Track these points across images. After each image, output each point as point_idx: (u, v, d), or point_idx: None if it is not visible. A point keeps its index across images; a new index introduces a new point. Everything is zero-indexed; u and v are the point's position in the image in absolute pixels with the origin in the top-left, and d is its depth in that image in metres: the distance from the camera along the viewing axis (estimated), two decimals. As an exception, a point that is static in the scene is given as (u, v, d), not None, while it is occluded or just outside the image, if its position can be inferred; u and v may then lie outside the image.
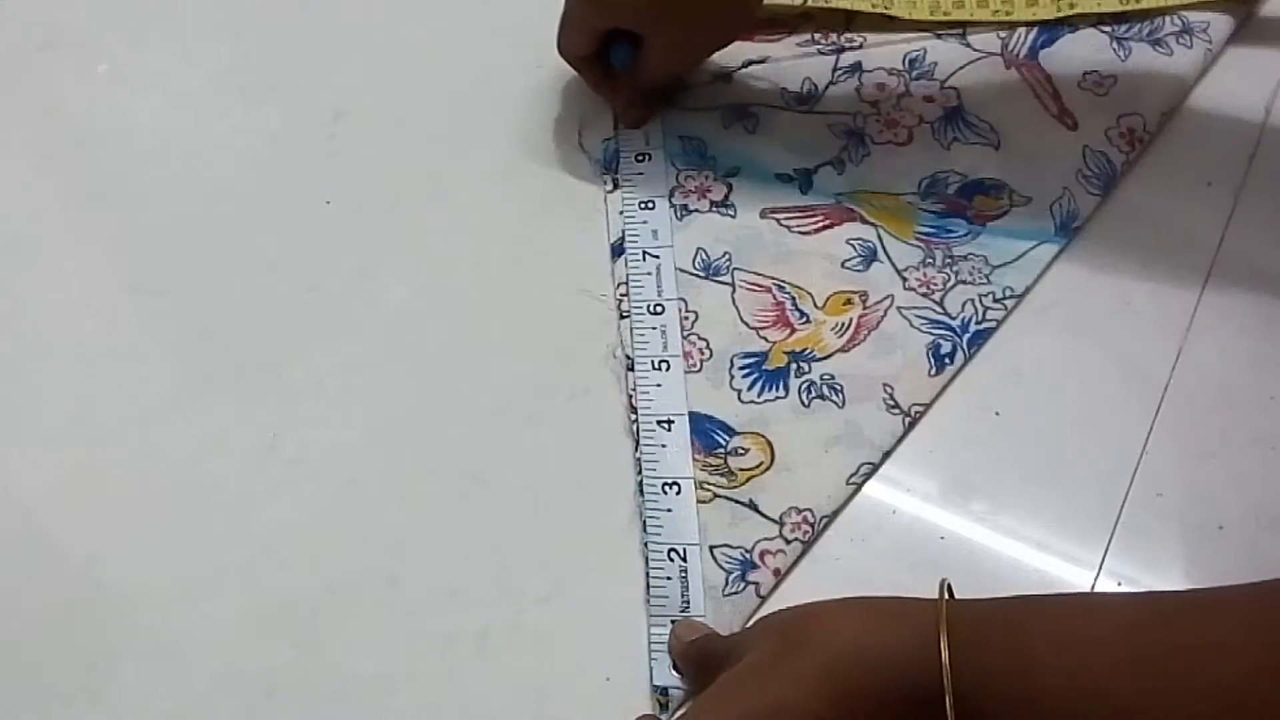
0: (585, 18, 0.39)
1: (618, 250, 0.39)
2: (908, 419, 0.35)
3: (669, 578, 0.33)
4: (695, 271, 0.39)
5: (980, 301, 0.37)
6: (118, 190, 0.42)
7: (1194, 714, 0.24)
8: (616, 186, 0.41)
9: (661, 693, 0.31)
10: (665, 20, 0.38)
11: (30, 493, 0.36)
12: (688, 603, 0.32)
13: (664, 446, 0.35)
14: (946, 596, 0.27)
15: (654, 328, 0.37)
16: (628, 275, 0.38)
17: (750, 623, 0.32)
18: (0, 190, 0.42)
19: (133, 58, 0.46)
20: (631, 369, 0.37)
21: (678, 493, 0.34)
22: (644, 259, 0.38)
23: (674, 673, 0.31)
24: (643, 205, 0.40)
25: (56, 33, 0.46)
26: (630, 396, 0.36)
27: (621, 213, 0.40)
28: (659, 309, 0.37)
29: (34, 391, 0.38)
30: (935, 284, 0.38)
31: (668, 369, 0.36)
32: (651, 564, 0.33)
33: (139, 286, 0.40)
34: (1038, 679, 0.25)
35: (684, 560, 0.33)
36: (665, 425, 0.35)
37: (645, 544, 0.34)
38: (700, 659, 0.31)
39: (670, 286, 0.38)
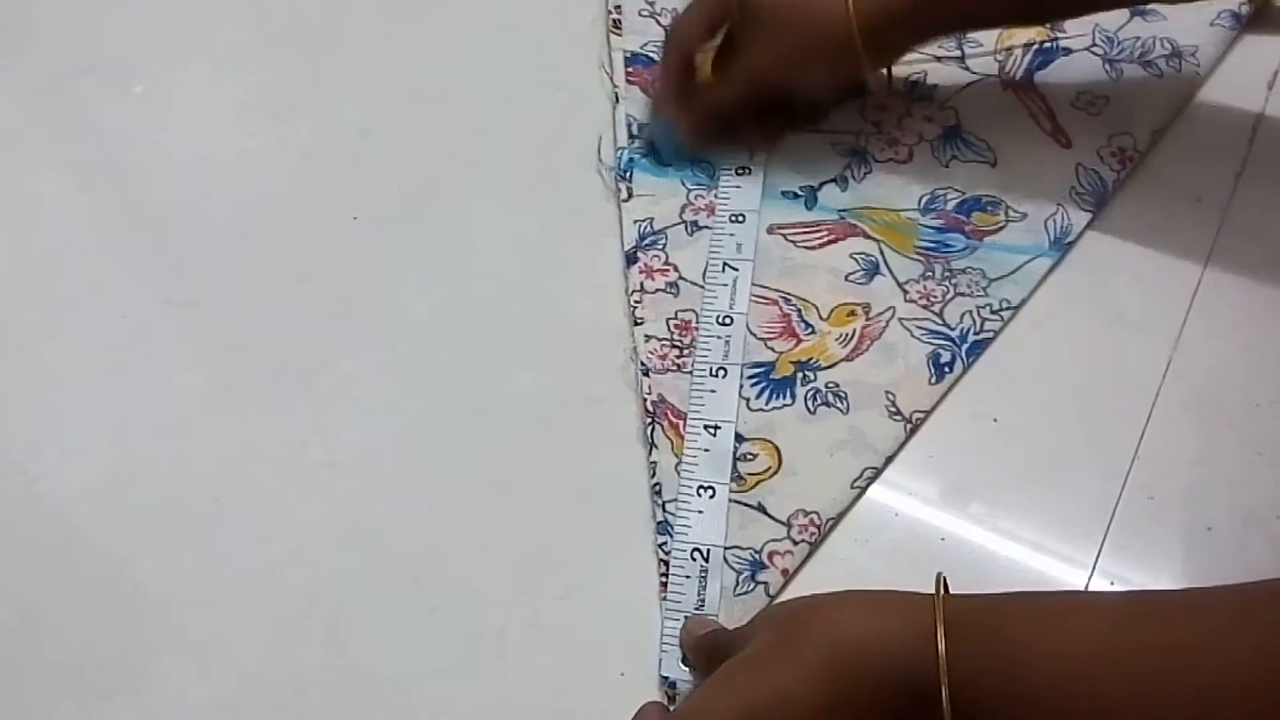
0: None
1: (631, 259, 0.41)
2: (909, 425, 0.36)
3: (688, 576, 0.34)
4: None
5: (978, 313, 0.39)
6: (153, 206, 0.43)
7: (1180, 711, 0.24)
8: (631, 197, 0.42)
9: (670, 685, 0.32)
10: (766, 26, 0.38)
11: (70, 496, 0.37)
12: (703, 601, 0.33)
13: (706, 451, 0.36)
14: (942, 590, 0.28)
15: (719, 337, 0.38)
16: (706, 285, 0.39)
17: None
18: (40, 206, 0.43)
19: (167, 79, 0.47)
20: (647, 375, 0.38)
21: (711, 496, 0.35)
22: (723, 270, 0.39)
23: (682, 666, 0.32)
24: (733, 218, 0.40)
25: (95, 56, 0.47)
26: (645, 401, 0.37)
27: (709, 227, 0.40)
28: (728, 320, 0.38)
29: (72, 400, 0.39)
30: (935, 296, 0.39)
31: (724, 375, 0.37)
32: (673, 562, 0.34)
33: (173, 299, 0.41)
34: (1030, 672, 0.26)
35: (706, 561, 0.34)
36: (711, 430, 0.36)
37: (662, 545, 0.35)
38: (709, 651, 0.32)
39: (743, 301, 0.38)
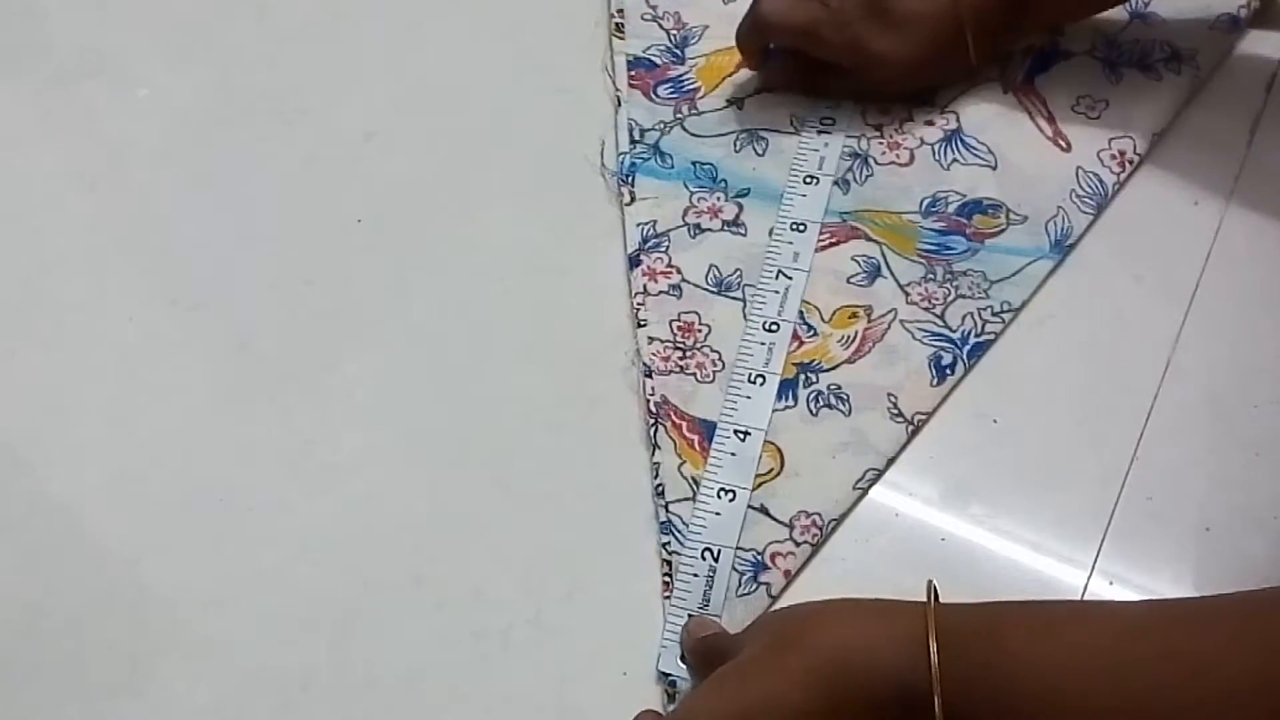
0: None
1: (634, 261, 0.41)
2: (911, 427, 0.37)
3: (696, 575, 0.34)
4: (708, 287, 0.40)
5: (979, 315, 0.39)
6: (158, 208, 0.44)
7: None
8: (633, 200, 0.42)
9: (670, 684, 0.33)
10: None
11: (76, 496, 0.37)
12: (708, 601, 0.34)
13: (733, 455, 0.36)
14: (933, 599, 0.28)
15: (763, 344, 0.38)
16: (757, 289, 0.39)
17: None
18: (47, 209, 0.44)
19: (172, 83, 0.47)
20: (649, 376, 0.38)
21: (731, 499, 0.35)
22: (777, 277, 0.39)
23: (680, 663, 0.33)
24: (794, 226, 0.40)
25: (101, 59, 0.47)
26: (648, 403, 0.37)
27: (772, 232, 0.40)
28: (774, 327, 0.38)
29: (79, 401, 0.39)
30: (936, 298, 0.39)
31: (762, 383, 0.37)
32: (683, 560, 0.34)
33: (178, 300, 0.41)
34: (1024, 683, 0.26)
35: (715, 561, 0.34)
36: (741, 436, 0.36)
37: (665, 545, 0.35)
38: (707, 654, 0.32)
39: (792, 309, 0.38)
